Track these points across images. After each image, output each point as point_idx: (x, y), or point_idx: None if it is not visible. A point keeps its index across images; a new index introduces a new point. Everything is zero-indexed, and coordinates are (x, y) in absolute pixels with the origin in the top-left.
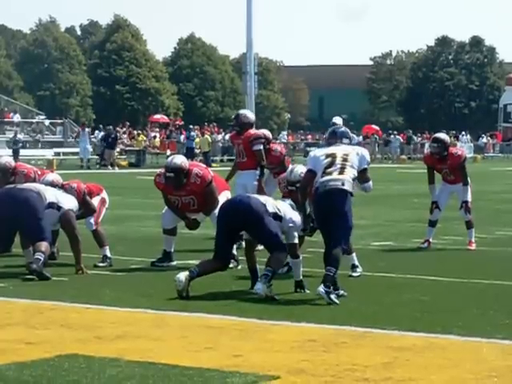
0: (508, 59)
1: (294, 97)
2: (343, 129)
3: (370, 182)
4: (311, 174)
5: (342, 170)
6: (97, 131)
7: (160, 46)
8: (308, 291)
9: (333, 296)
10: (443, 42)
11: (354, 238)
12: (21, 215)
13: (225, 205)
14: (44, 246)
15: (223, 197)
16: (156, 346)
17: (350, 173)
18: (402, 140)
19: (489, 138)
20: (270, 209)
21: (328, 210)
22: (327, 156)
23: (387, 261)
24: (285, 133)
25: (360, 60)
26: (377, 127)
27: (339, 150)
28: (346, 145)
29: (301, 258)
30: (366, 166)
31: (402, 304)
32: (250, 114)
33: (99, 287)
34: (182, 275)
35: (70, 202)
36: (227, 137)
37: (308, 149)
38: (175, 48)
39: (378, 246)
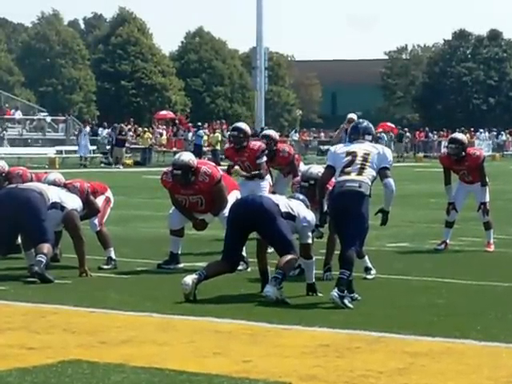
0: None
1: (306, 93)
2: (366, 123)
3: (391, 180)
4: (330, 170)
5: (361, 171)
6: (101, 128)
7: (167, 40)
8: (321, 294)
9: (346, 300)
10: (460, 35)
11: (369, 239)
12: (22, 216)
13: (236, 204)
14: (46, 247)
15: (232, 196)
16: (162, 352)
17: (369, 174)
18: (417, 138)
19: (508, 135)
20: (283, 208)
21: (343, 212)
22: (348, 154)
23: (403, 263)
24: (294, 133)
25: (374, 54)
26: (392, 124)
27: (361, 148)
28: (368, 142)
29: (314, 259)
30: (387, 165)
31: (418, 307)
32: (246, 125)
33: (103, 290)
34: (189, 278)
35: (73, 202)
36: (226, 145)
37: (321, 147)
38: (182, 42)
39: (393, 247)
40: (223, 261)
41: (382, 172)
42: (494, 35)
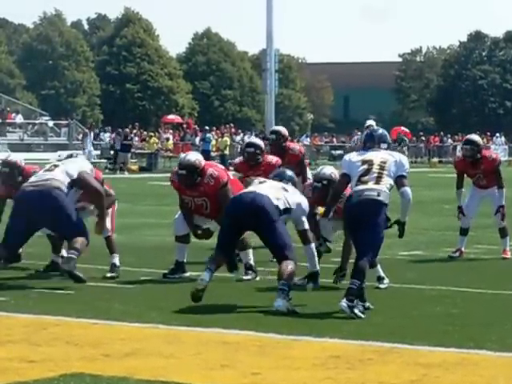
0: None
1: (317, 96)
2: (381, 131)
3: (407, 188)
4: (346, 178)
5: (378, 180)
6: (102, 133)
7: (174, 41)
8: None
9: (356, 310)
10: (476, 37)
11: (381, 248)
12: (51, 217)
13: (236, 201)
14: (80, 242)
15: None
16: (168, 364)
17: (387, 182)
18: (431, 142)
19: None
20: (281, 206)
21: (360, 220)
22: (363, 162)
23: (416, 271)
24: (305, 137)
25: (388, 57)
26: (406, 129)
27: (377, 156)
28: (384, 150)
29: (313, 244)
30: (404, 173)
31: (432, 317)
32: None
33: (107, 301)
34: (207, 275)
35: (82, 167)
36: (237, 160)
37: (333, 152)
38: (190, 44)
39: (406, 255)
40: (219, 256)
41: (399, 180)
42: (511, 37)
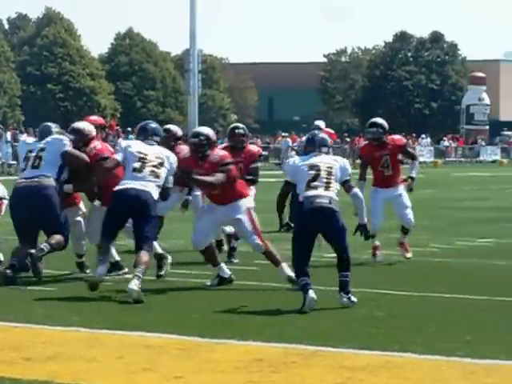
0: (471, 56)
1: (241, 97)
2: (321, 135)
3: (356, 190)
4: (290, 186)
5: (327, 186)
6: (19, 134)
7: (96, 41)
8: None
9: (353, 298)
10: (402, 37)
11: None
12: (43, 212)
13: (120, 193)
14: (57, 239)
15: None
16: (90, 368)
17: (335, 188)
18: (356, 143)
19: (450, 141)
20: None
21: (317, 228)
22: (311, 168)
23: None
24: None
25: (313, 57)
26: (331, 130)
27: (322, 161)
28: (325, 154)
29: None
30: (348, 178)
31: (356, 320)
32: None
33: (28, 303)
34: (102, 268)
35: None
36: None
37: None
38: (112, 44)
39: (331, 257)
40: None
41: (346, 185)
42: (436, 38)
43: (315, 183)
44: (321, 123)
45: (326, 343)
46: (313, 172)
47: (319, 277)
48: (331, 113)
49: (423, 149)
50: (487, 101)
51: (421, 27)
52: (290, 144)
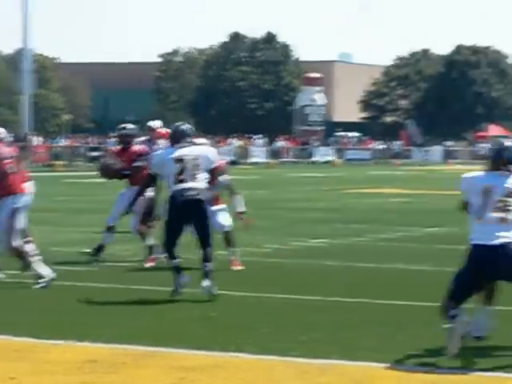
0: (304, 57)
1: (75, 96)
2: (184, 126)
3: (226, 176)
4: (153, 177)
5: (194, 177)
6: None
7: None
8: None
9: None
10: (236, 38)
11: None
12: None
13: None
14: None
15: None
16: None
17: (203, 178)
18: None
19: (284, 141)
20: None
21: (188, 219)
22: (176, 161)
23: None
24: (63, 139)
25: (148, 57)
26: (167, 129)
27: (188, 153)
28: (189, 145)
29: None
30: (215, 165)
31: (191, 320)
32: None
33: None
34: None
35: None
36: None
37: (90, 154)
38: None
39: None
40: None
41: (213, 173)
42: (270, 38)
43: (182, 176)
44: (157, 123)
45: (161, 343)
46: (179, 165)
47: (159, 278)
48: (166, 113)
49: (257, 149)
50: (321, 101)
51: (255, 28)
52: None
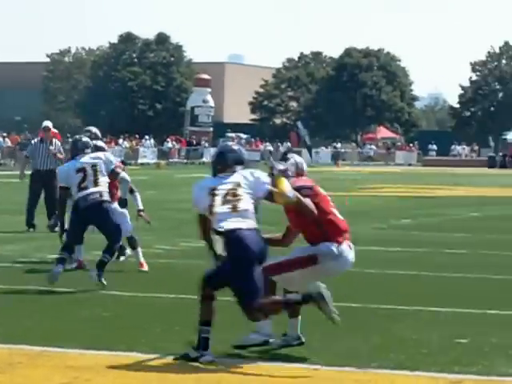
0: (196, 58)
1: None
2: (84, 140)
3: (124, 174)
4: (66, 190)
5: (96, 183)
6: None
7: None
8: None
9: (102, 279)
10: (127, 38)
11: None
12: None
13: None
14: None
15: None
16: None
17: (104, 181)
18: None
19: (174, 142)
20: None
21: (92, 220)
22: (78, 171)
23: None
24: None
25: (36, 57)
26: (55, 130)
27: (87, 161)
28: (89, 154)
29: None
30: (113, 167)
31: (83, 320)
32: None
33: None
34: None
35: None
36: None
37: None
38: None
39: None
40: None
41: (112, 175)
42: (162, 39)
43: (84, 183)
44: (48, 123)
45: (52, 343)
46: (80, 174)
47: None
48: (53, 113)
49: (147, 150)
50: (211, 103)
51: (146, 28)
52: (3, 144)
